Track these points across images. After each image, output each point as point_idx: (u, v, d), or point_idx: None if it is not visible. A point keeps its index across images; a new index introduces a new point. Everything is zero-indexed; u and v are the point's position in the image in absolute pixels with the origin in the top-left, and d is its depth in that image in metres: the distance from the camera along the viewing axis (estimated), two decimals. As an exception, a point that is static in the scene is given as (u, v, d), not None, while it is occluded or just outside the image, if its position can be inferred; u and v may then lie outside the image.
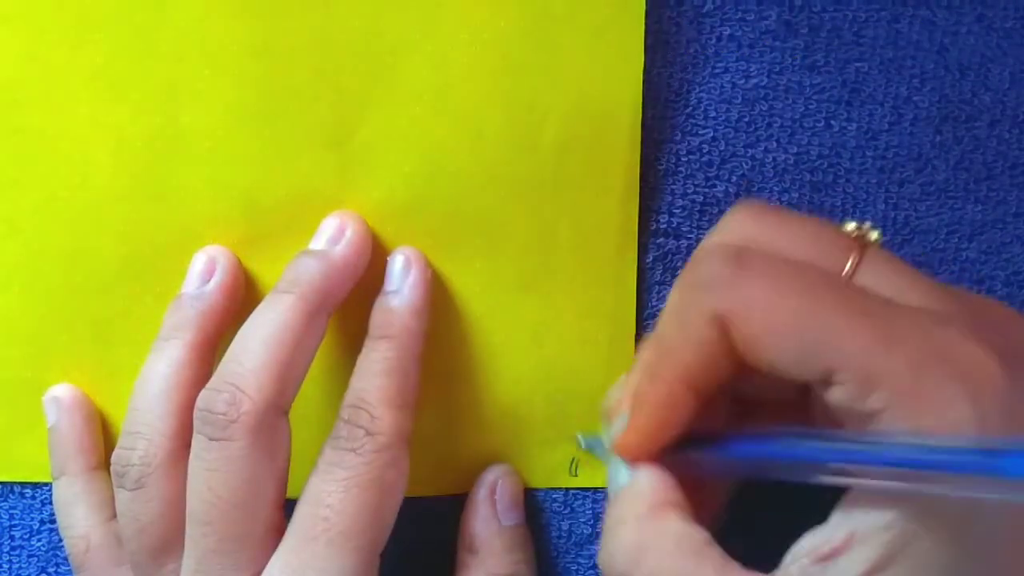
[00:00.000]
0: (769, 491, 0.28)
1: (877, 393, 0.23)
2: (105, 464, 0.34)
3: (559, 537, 0.35)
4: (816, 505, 0.25)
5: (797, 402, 0.28)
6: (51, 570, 0.35)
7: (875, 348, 0.23)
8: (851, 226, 0.28)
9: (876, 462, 0.23)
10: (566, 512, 0.35)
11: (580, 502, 0.35)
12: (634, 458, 0.28)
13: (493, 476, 0.34)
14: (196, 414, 0.29)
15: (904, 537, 0.23)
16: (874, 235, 0.28)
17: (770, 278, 0.25)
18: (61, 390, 0.34)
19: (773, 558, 0.25)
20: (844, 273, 0.27)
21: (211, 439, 0.28)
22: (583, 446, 0.34)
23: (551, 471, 0.34)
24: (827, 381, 0.24)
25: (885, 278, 0.27)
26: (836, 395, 0.24)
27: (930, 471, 0.22)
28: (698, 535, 0.26)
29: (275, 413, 0.29)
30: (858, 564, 0.23)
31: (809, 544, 0.25)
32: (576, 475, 0.34)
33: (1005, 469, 0.20)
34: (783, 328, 0.24)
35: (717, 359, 0.26)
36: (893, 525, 0.23)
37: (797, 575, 0.24)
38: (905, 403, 0.23)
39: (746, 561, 0.25)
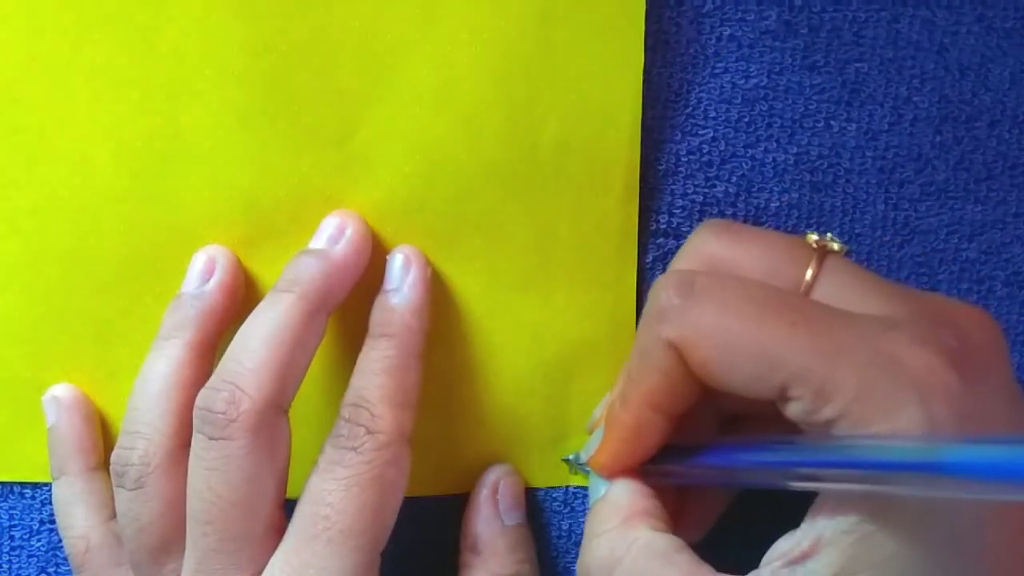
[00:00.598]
0: (764, 501, 0.28)
1: (830, 404, 0.24)
2: (105, 464, 0.34)
3: (559, 537, 0.35)
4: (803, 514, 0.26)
5: (779, 414, 0.28)
6: (51, 570, 0.35)
7: (822, 361, 0.24)
8: (813, 237, 0.28)
9: (829, 465, 0.24)
10: (566, 512, 0.35)
11: (580, 502, 0.35)
12: (608, 475, 0.29)
13: (495, 476, 0.34)
14: (196, 413, 0.29)
15: (866, 541, 0.23)
16: (836, 245, 0.28)
17: (719, 302, 0.25)
18: (60, 390, 0.34)
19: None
20: (804, 283, 0.28)
21: (211, 438, 0.28)
22: (573, 461, 0.34)
23: (551, 471, 0.35)
24: (784, 397, 0.25)
25: (845, 286, 0.27)
26: (793, 410, 0.25)
27: (881, 472, 0.22)
28: (668, 542, 0.26)
29: (275, 412, 0.29)
30: (824, 567, 0.24)
31: (781, 548, 0.25)
32: (576, 474, 0.34)
33: (949, 468, 0.21)
34: (733, 351, 0.25)
35: (678, 384, 0.26)
36: (855, 529, 0.24)
37: None
38: (856, 412, 0.23)
39: (741, 568, 0.25)
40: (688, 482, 0.29)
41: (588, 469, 0.30)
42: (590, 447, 0.30)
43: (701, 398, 0.27)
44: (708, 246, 0.29)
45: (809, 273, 0.28)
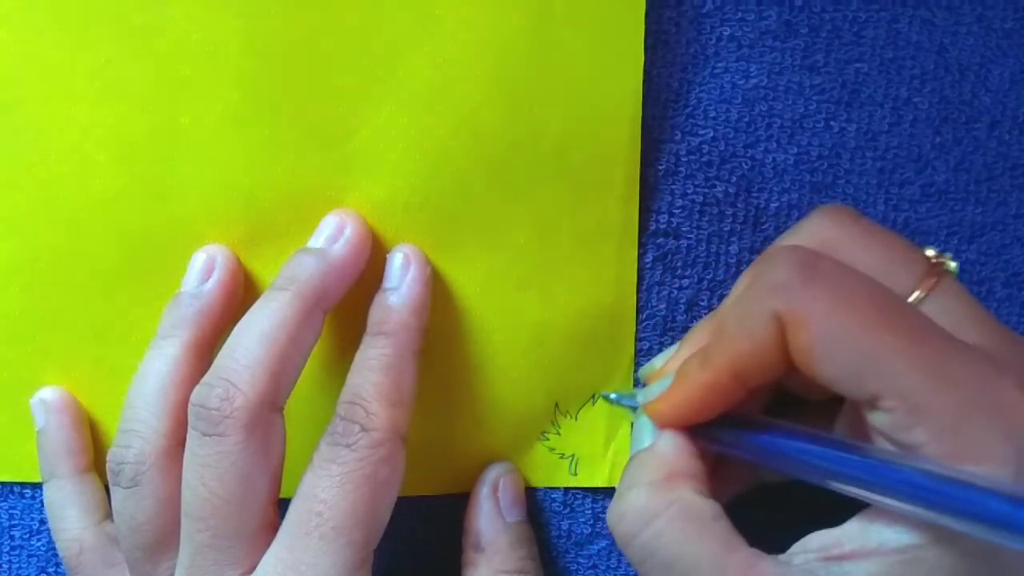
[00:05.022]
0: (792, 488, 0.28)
1: (921, 427, 0.23)
2: (95, 466, 0.34)
3: (559, 537, 0.35)
4: (831, 507, 0.25)
5: (838, 407, 0.28)
6: (51, 570, 0.35)
7: (927, 384, 0.23)
8: (930, 252, 0.28)
9: (900, 486, 0.23)
10: (566, 512, 0.35)
11: (580, 502, 0.35)
12: (663, 425, 0.28)
13: (495, 473, 0.34)
14: (190, 409, 0.29)
15: (916, 564, 0.23)
16: (952, 264, 0.28)
17: (836, 290, 0.25)
18: (48, 393, 0.34)
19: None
20: (914, 297, 0.27)
21: (205, 434, 0.28)
22: (615, 399, 0.33)
23: (551, 470, 0.34)
24: (873, 404, 0.24)
25: (952, 310, 0.27)
26: (879, 420, 0.24)
27: (953, 508, 0.22)
28: (708, 507, 0.26)
29: (269, 409, 0.29)
30: (864, 575, 0.24)
31: (819, 541, 0.25)
32: (576, 474, 0.34)
33: None
34: (839, 343, 0.24)
35: (770, 359, 0.26)
36: (906, 549, 0.23)
37: (800, 564, 0.24)
38: (946, 444, 0.23)
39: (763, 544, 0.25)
40: (737, 454, 0.28)
41: (632, 410, 0.29)
42: (650, 393, 0.29)
43: (781, 378, 0.27)
44: (826, 230, 0.28)
45: (922, 287, 0.27)
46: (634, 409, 0.30)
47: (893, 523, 0.24)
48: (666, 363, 0.31)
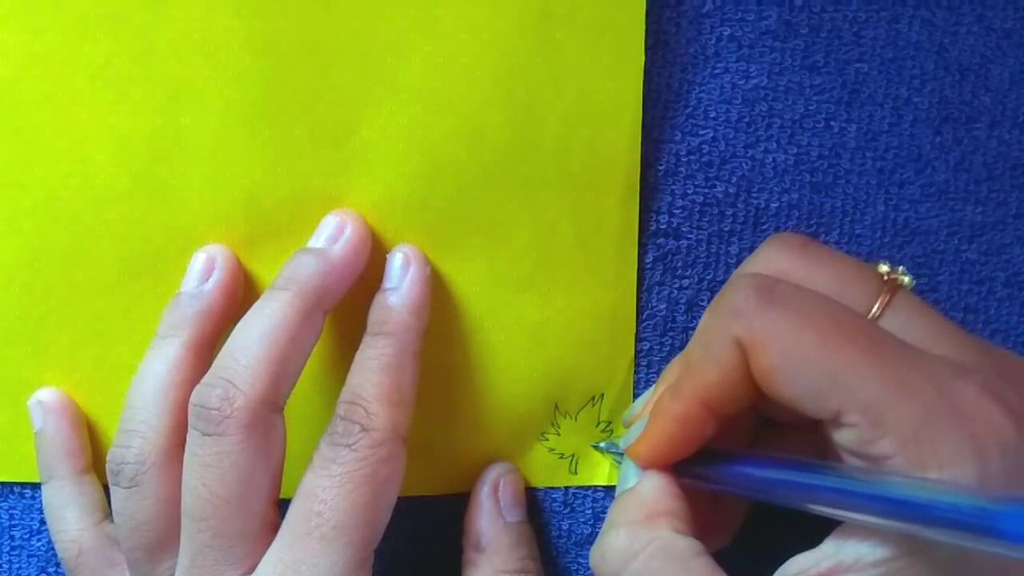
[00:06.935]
0: (777, 513, 0.28)
1: (885, 440, 0.23)
2: (94, 467, 0.34)
3: (559, 537, 0.35)
4: (821, 530, 0.25)
5: (819, 430, 0.28)
6: (51, 570, 0.35)
7: (886, 395, 0.24)
8: (884, 268, 0.28)
9: (872, 502, 0.23)
10: (566, 512, 0.35)
11: (580, 501, 0.35)
12: (644, 465, 0.28)
13: (495, 473, 0.34)
14: (190, 409, 0.29)
15: (892, 575, 0.23)
16: (906, 279, 0.28)
17: (793, 311, 0.25)
18: (45, 394, 0.34)
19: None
20: (871, 315, 0.27)
21: (205, 434, 0.28)
22: (604, 448, 0.34)
23: (551, 470, 0.34)
24: (837, 422, 0.24)
25: (911, 323, 0.27)
26: (845, 437, 0.24)
27: (925, 517, 0.22)
28: (687, 545, 0.26)
29: (269, 409, 0.29)
30: None
31: (797, 566, 0.25)
32: (576, 473, 0.34)
33: (1001, 529, 0.20)
34: (799, 363, 0.25)
35: (737, 384, 0.26)
36: (881, 563, 0.23)
37: None
38: (911, 453, 0.23)
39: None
40: (719, 488, 0.29)
41: (619, 456, 0.29)
42: (630, 436, 0.29)
43: (751, 404, 0.27)
44: (779, 261, 0.29)
45: (877, 305, 0.27)
46: (622, 455, 0.30)
47: (867, 538, 0.24)
48: (644, 406, 0.31)
